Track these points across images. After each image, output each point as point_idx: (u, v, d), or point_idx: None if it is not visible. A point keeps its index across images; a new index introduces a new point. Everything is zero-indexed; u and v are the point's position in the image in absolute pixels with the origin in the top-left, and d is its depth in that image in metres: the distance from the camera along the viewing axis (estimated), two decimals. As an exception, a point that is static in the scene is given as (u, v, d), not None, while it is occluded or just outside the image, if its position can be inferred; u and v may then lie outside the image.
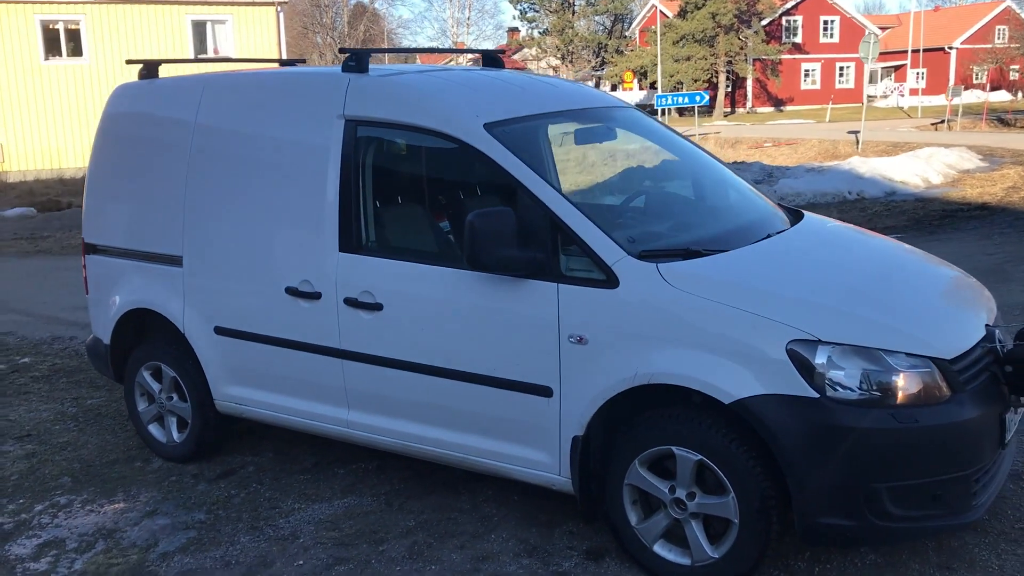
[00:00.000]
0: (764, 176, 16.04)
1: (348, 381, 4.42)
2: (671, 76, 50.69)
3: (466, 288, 3.98)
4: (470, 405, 4.08)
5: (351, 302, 4.29)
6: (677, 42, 50.90)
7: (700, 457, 3.54)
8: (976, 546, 3.90)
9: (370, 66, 4.53)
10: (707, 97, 31.91)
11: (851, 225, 4.90)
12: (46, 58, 26.88)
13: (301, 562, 4.10)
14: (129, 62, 5.60)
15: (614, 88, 54.79)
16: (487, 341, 3.98)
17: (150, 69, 5.33)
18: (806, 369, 3.36)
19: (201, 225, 4.88)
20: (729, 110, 54.73)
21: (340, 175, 4.36)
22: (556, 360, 3.80)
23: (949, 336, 3.60)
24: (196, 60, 6.74)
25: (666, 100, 30.30)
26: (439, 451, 4.26)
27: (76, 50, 27.32)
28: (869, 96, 41.10)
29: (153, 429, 5.33)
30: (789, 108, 55.64)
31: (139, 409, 5.37)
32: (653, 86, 51.12)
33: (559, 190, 3.90)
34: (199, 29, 28.60)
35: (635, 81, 46.01)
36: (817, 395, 3.34)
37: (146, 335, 5.31)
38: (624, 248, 3.72)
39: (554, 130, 4.68)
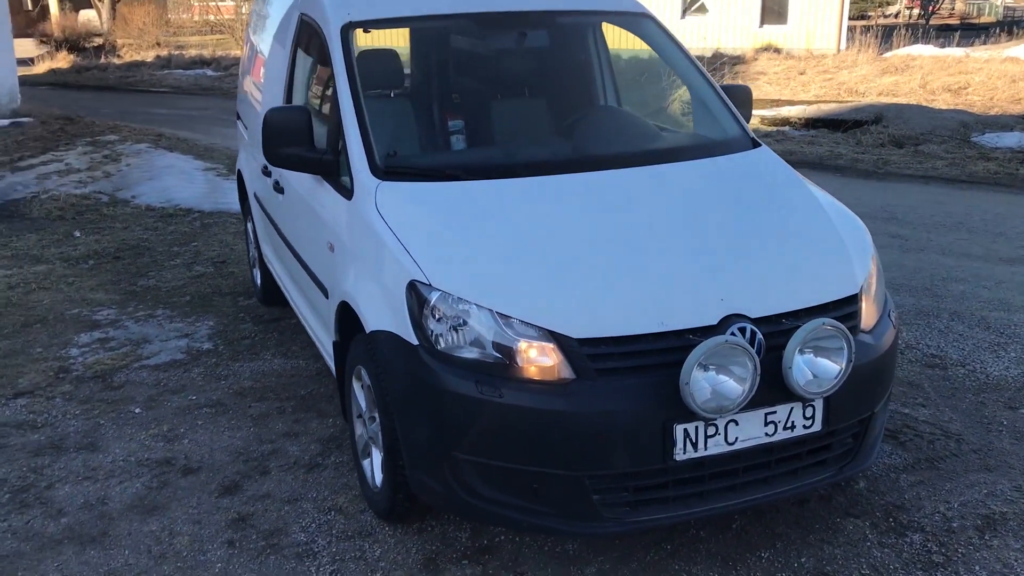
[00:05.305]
0: None
1: (278, 252, 4.93)
2: None
3: (306, 183, 4.20)
4: (309, 292, 4.37)
5: (275, 186, 4.75)
6: None
7: (370, 383, 3.47)
8: None
9: None
10: None
11: (796, 177, 3.89)
12: None
13: (194, 397, 4.81)
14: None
15: None
16: (309, 235, 4.21)
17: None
18: (415, 314, 3.10)
19: (252, 104, 5.65)
20: None
21: (288, 67, 4.76)
22: (327, 263, 3.91)
23: (609, 314, 2.96)
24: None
25: None
26: (309, 331, 4.61)
27: None
28: None
29: (255, 273, 6.36)
30: None
31: (249, 255, 6.43)
32: None
33: (359, 95, 3.84)
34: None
35: None
36: (416, 342, 3.08)
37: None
38: (373, 161, 3.64)
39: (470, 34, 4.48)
